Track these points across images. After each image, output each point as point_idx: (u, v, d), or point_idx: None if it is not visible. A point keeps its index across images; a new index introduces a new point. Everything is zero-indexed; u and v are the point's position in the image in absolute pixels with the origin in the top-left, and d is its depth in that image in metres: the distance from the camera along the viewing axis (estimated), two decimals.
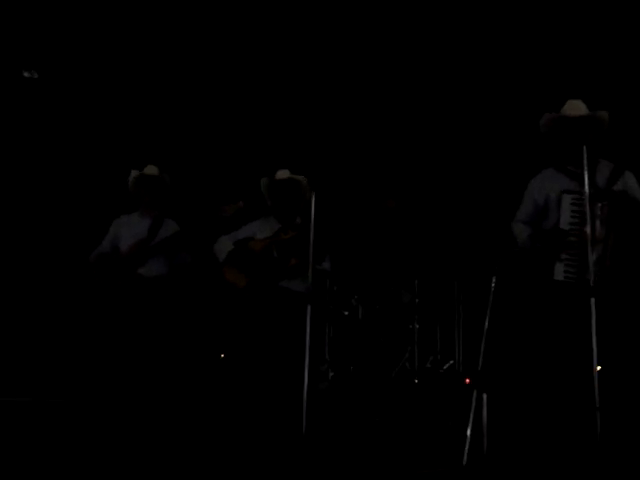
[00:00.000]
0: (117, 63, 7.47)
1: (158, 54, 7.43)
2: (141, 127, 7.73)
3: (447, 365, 7.03)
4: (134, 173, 5.70)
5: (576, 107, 4.57)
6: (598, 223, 4.33)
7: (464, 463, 4.06)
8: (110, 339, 5.51)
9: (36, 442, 4.77)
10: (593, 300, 4.02)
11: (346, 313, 6.96)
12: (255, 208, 5.64)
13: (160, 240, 5.60)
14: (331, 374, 6.69)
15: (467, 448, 4.08)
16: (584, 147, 4.18)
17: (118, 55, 7.39)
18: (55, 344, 7.01)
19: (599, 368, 3.99)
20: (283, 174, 5.46)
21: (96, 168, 7.61)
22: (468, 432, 4.11)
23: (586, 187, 4.16)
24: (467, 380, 6.44)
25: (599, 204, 4.34)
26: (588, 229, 4.16)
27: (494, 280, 4.34)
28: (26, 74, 6.72)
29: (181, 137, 7.75)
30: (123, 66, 7.50)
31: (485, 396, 4.22)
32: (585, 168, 4.16)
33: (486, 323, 4.29)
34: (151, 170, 5.70)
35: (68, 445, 4.66)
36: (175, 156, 7.14)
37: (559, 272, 4.43)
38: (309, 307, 4.42)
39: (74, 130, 7.72)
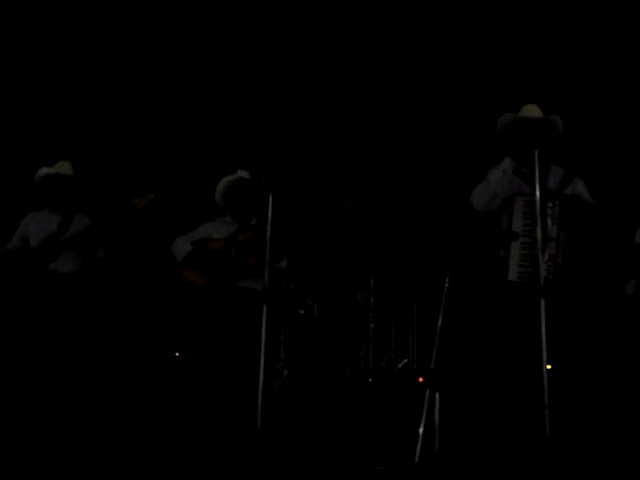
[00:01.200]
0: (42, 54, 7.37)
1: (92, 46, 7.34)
2: (55, 120, 7.56)
3: (401, 364, 7.09)
4: (42, 171, 5.56)
5: (532, 110, 4.66)
6: (549, 222, 4.43)
7: (416, 460, 4.11)
8: (24, 337, 5.38)
9: None
10: (543, 301, 4.11)
11: (302, 312, 6.99)
12: (210, 208, 5.64)
13: (71, 235, 5.48)
14: (286, 373, 6.71)
15: (419, 446, 4.13)
16: (536, 152, 4.27)
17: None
18: None
19: (549, 367, 4.07)
20: (242, 174, 5.47)
21: (4, 163, 7.45)
22: (420, 430, 4.16)
23: (537, 190, 4.26)
24: (420, 378, 6.51)
25: (550, 204, 4.44)
26: (539, 231, 4.25)
27: (447, 280, 4.40)
28: None
29: (96, 129, 7.62)
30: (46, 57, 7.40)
31: (437, 395, 4.28)
32: (536, 171, 4.26)
33: (439, 322, 4.34)
34: (61, 168, 5.56)
35: None
36: (88, 149, 7.03)
37: (513, 272, 4.52)
38: (265, 306, 4.45)
39: None
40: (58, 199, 5.58)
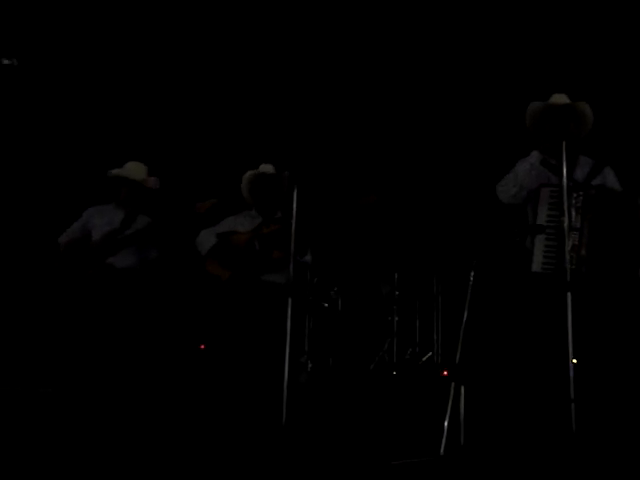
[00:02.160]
0: (101, 60, 7.46)
1: (138, 52, 7.42)
2: (121, 121, 7.69)
3: (425, 357, 7.08)
4: (118, 172, 5.65)
5: (560, 98, 4.65)
6: (574, 212, 4.40)
7: (441, 454, 4.11)
8: (83, 329, 5.47)
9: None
10: (569, 294, 4.09)
11: (326, 305, 7.00)
12: (234, 202, 5.66)
13: (132, 232, 5.59)
14: (310, 366, 6.72)
15: (444, 439, 4.13)
16: (563, 142, 4.26)
17: (101, 52, 7.38)
18: (26, 333, 6.97)
19: (575, 361, 4.05)
20: (266, 168, 5.48)
21: (74, 161, 7.57)
22: (445, 423, 4.16)
23: (564, 179, 4.25)
24: (445, 372, 6.50)
25: (574, 194, 4.42)
26: (565, 221, 4.23)
27: (472, 274, 4.39)
28: (5, 61, 6.67)
29: (159, 134, 7.71)
30: (110, 63, 7.49)
31: (463, 388, 4.27)
32: (564, 162, 4.25)
33: (464, 316, 4.34)
34: (134, 173, 5.65)
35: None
36: (152, 152, 7.11)
37: (537, 264, 4.50)
38: (290, 299, 4.46)
39: (53, 120, 7.68)
40: (125, 199, 5.69)
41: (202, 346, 6.99)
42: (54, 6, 6.99)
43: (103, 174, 5.73)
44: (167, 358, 6.47)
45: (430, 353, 7.11)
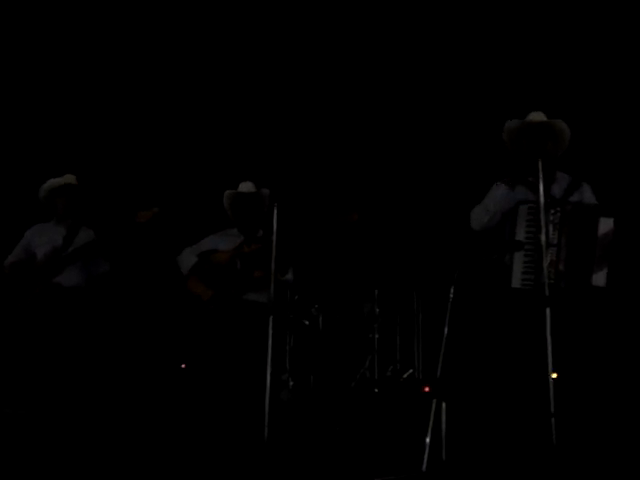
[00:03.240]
0: (41, 63, 7.37)
1: (95, 52, 7.36)
2: (57, 132, 7.55)
3: (407, 374, 7.10)
4: (51, 183, 5.58)
5: (537, 116, 4.70)
6: (551, 228, 4.46)
7: (423, 470, 4.12)
8: (29, 349, 5.36)
9: None
10: (548, 310, 4.14)
11: (307, 323, 7.01)
12: (216, 220, 5.67)
13: (75, 248, 5.49)
14: (291, 383, 6.72)
15: (426, 455, 4.14)
16: (540, 160, 4.32)
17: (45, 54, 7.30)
18: None
19: (554, 375, 4.08)
20: (246, 187, 5.49)
21: (7, 174, 7.46)
22: (427, 439, 4.18)
23: (541, 196, 4.31)
24: (426, 388, 6.52)
25: (552, 210, 4.47)
26: (543, 237, 4.30)
27: (452, 290, 4.42)
28: None
29: (101, 143, 7.60)
30: (46, 65, 7.39)
31: (444, 404, 4.29)
32: (540, 178, 4.31)
33: (445, 332, 4.36)
34: (69, 179, 5.58)
35: None
36: (91, 163, 7.01)
37: (517, 279, 4.54)
38: (271, 318, 4.48)
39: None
40: (65, 211, 5.59)
41: (183, 365, 6.97)
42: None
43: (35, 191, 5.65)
44: (148, 377, 6.44)
45: (411, 370, 7.12)
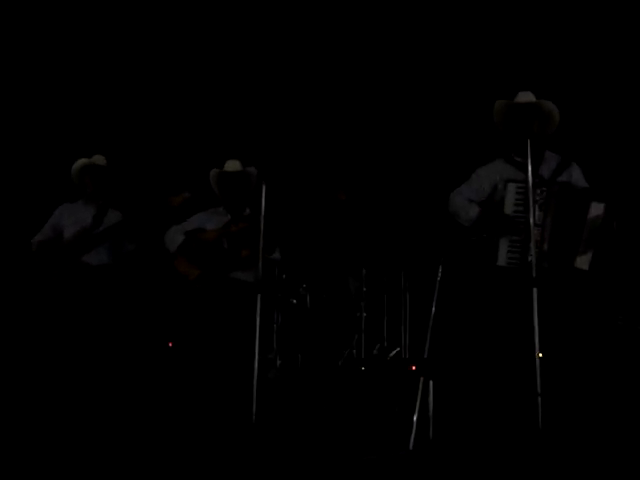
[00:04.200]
0: (68, 53, 7.38)
1: (109, 45, 7.36)
2: (87, 115, 7.61)
3: (393, 352, 7.12)
4: (80, 162, 5.64)
5: (526, 96, 4.70)
6: (537, 208, 4.46)
7: (411, 448, 4.14)
8: (57, 327, 5.45)
9: None
10: (535, 290, 4.15)
11: (294, 302, 7.01)
12: (203, 198, 5.65)
13: (105, 228, 5.57)
14: (279, 362, 6.73)
15: (413, 434, 4.16)
16: (528, 141, 4.33)
17: (70, 46, 7.31)
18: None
19: (541, 355, 4.10)
20: (232, 165, 5.47)
21: (39, 155, 7.48)
22: (414, 418, 4.20)
23: (529, 176, 4.32)
24: (413, 367, 6.54)
25: (538, 191, 4.48)
26: (531, 217, 4.31)
27: (440, 269, 4.43)
28: None
29: (127, 126, 7.66)
30: (73, 55, 7.41)
31: (431, 382, 4.31)
32: (529, 159, 4.31)
33: (432, 311, 4.37)
34: (98, 160, 5.63)
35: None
36: (122, 145, 7.07)
37: (502, 258, 4.55)
38: (259, 297, 4.48)
39: (16, 117, 7.58)
40: (94, 190, 5.64)
41: (170, 343, 6.96)
42: None
43: (69, 171, 5.70)
44: (135, 356, 6.44)
45: (398, 348, 7.14)
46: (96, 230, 5.56)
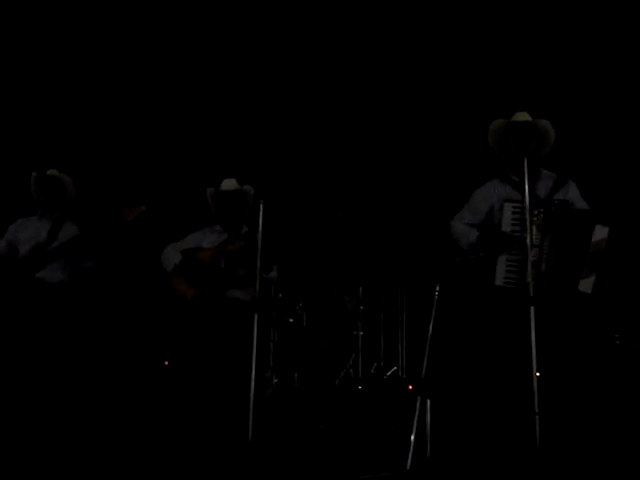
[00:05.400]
0: (47, 63, 7.34)
1: (96, 54, 7.33)
2: (46, 127, 7.50)
3: (390, 371, 7.10)
4: (34, 175, 5.56)
5: (522, 116, 4.73)
6: (534, 229, 4.46)
7: (408, 468, 4.13)
8: (10, 343, 5.31)
9: None
10: (532, 309, 4.15)
11: (291, 320, 6.99)
12: (200, 217, 5.65)
13: (59, 244, 5.45)
14: (275, 381, 6.70)
15: (411, 453, 4.15)
16: (524, 159, 4.34)
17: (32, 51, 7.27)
18: None
19: (538, 374, 4.09)
20: (229, 184, 5.47)
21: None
22: (412, 437, 4.18)
23: (526, 196, 4.33)
24: (410, 386, 6.52)
25: (535, 211, 4.48)
26: (528, 238, 4.32)
27: (438, 288, 4.43)
28: None
29: (95, 139, 7.56)
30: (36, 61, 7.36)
31: (428, 402, 4.30)
32: (526, 178, 4.33)
33: (430, 329, 4.37)
34: (51, 172, 5.56)
35: None
36: (86, 158, 7.02)
37: (500, 278, 4.55)
38: (256, 316, 4.47)
39: None
40: (48, 204, 5.56)
41: (166, 362, 6.94)
42: None
43: (25, 185, 5.62)
44: (131, 375, 6.41)
45: (395, 367, 7.12)
46: (50, 246, 5.45)
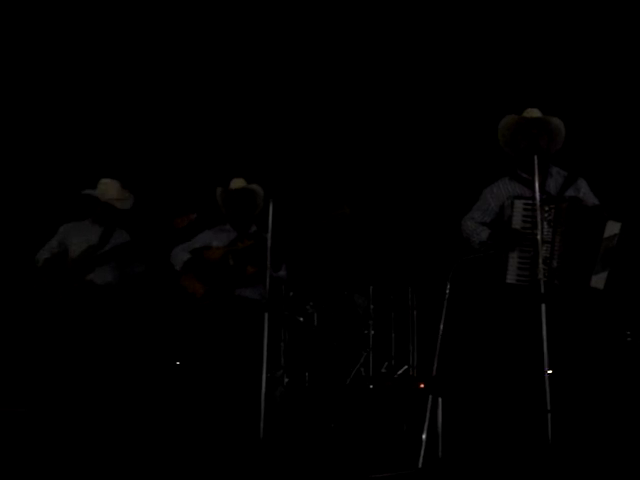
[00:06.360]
0: (78, 71, 7.41)
1: (114, 62, 7.38)
2: (96, 135, 7.62)
3: (402, 370, 7.08)
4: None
5: (532, 112, 4.70)
6: (545, 225, 4.44)
7: (420, 466, 4.11)
8: (59, 345, 5.45)
9: None
10: (544, 306, 4.13)
11: (301, 319, 6.98)
12: (209, 216, 5.65)
13: (111, 248, 5.60)
14: (286, 380, 6.70)
15: (423, 452, 4.13)
16: (535, 157, 4.32)
17: (77, 63, 7.33)
18: (4, 351, 6.87)
19: (550, 372, 4.07)
20: (238, 183, 5.48)
21: (48, 177, 7.50)
22: (423, 436, 4.17)
23: (537, 193, 4.30)
24: (421, 385, 6.50)
25: (546, 207, 4.46)
26: (539, 234, 4.29)
27: (448, 286, 4.41)
28: None
29: (135, 147, 7.66)
30: (84, 75, 7.44)
31: (440, 400, 4.28)
32: (536, 175, 4.30)
33: (441, 328, 4.35)
34: (109, 193, 5.67)
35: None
36: (129, 166, 7.09)
37: (512, 275, 4.53)
38: (266, 315, 4.46)
39: (26, 135, 7.59)
40: (99, 217, 5.72)
41: (178, 362, 6.95)
42: None
43: (78, 190, 5.72)
44: (143, 374, 6.42)
45: (406, 366, 7.11)
46: (102, 249, 5.57)
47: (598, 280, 4.47)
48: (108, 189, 5.69)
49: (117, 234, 5.70)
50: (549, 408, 4.00)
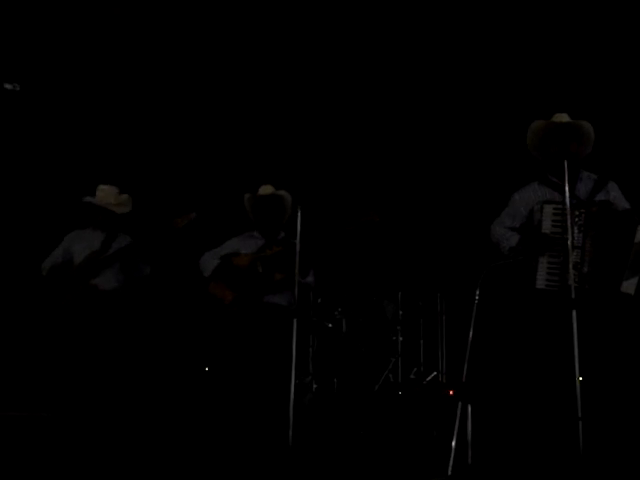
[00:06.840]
0: (79, 76, 7.42)
1: (123, 65, 7.39)
2: (96, 136, 7.62)
3: (430, 377, 7.05)
4: (87, 199, 5.72)
5: (561, 116, 4.68)
6: (576, 230, 4.41)
7: (449, 474, 4.09)
8: (66, 350, 5.47)
9: None
10: (574, 312, 4.09)
11: (330, 325, 6.98)
12: (238, 223, 5.68)
13: (114, 251, 5.64)
14: (315, 387, 6.70)
15: (452, 459, 4.11)
16: (565, 162, 4.29)
17: (80, 67, 7.34)
18: (11, 358, 6.87)
19: (581, 379, 4.03)
20: (266, 189, 5.49)
21: (48, 181, 7.51)
22: (453, 443, 4.14)
23: (567, 197, 4.27)
24: (451, 391, 6.47)
25: (576, 212, 4.42)
26: (570, 239, 4.25)
27: (478, 292, 4.39)
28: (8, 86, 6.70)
29: (135, 147, 7.67)
30: (84, 80, 7.44)
31: (469, 407, 4.25)
32: (566, 179, 4.27)
33: (470, 334, 4.33)
34: (107, 198, 5.71)
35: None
36: (129, 166, 7.12)
37: (541, 280, 4.50)
38: (295, 321, 4.46)
39: (26, 145, 7.59)
40: (100, 224, 5.77)
41: (207, 368, 6.96)
42: None
43: (80, 197, 5.75)
44: (170, 380, 6.45)
45: (435, 373, 7.08)
46: (104, 254, 5.63)
47: (629, 286, 4.42)
48: (106, 195, 5.74)
49: (120, 239, 5.74)
50: (580, 416, 3.96)
